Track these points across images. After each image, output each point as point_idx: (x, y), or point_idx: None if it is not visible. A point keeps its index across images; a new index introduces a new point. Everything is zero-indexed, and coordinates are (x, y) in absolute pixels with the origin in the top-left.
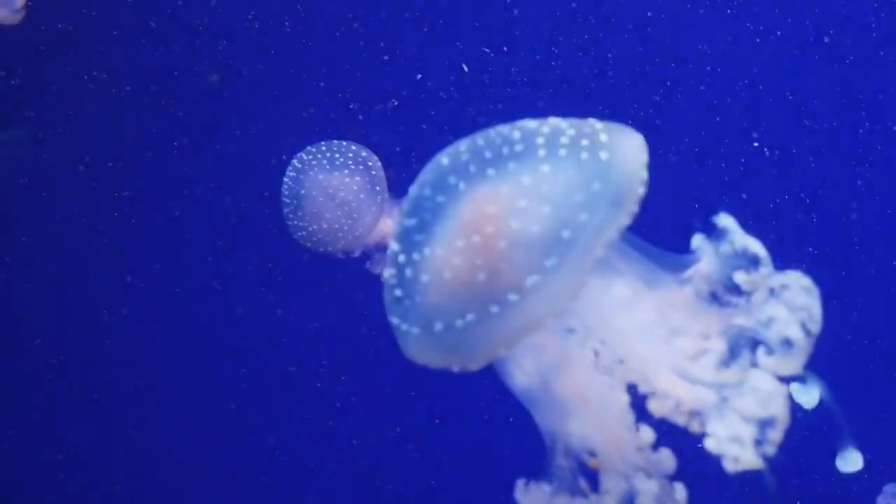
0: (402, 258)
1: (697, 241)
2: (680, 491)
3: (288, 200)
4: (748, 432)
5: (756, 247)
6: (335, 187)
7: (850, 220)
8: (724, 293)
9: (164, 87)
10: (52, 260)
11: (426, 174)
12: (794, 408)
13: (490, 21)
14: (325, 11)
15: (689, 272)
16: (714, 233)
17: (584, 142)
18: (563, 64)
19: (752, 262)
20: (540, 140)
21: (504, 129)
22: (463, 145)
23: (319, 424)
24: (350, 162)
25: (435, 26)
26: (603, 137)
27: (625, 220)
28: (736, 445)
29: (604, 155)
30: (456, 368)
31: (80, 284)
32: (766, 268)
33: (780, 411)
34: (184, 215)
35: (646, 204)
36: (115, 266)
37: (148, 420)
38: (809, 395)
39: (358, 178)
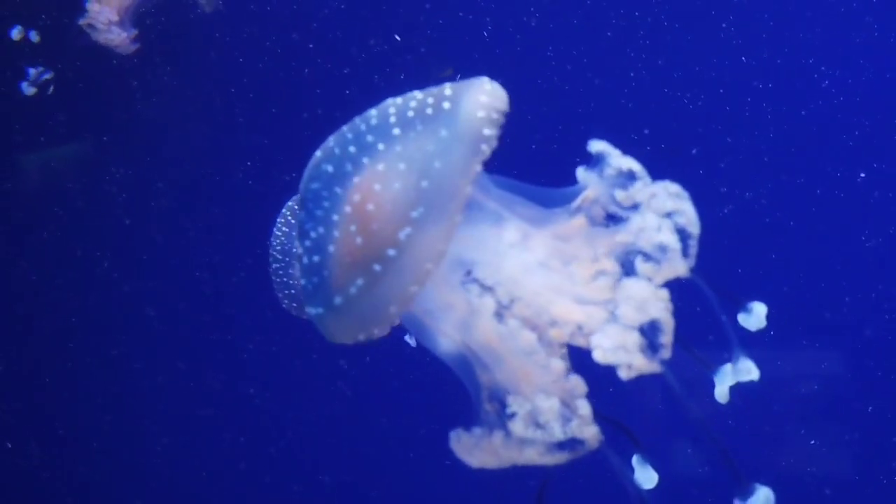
0: (299, 250)
1: (581, 172)
2: (584, 407)
3: (279, 257)
4: (631, 339)
5: (632, 164)
6: None
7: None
8: (619, 213)
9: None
10: (92, 270)
11: (306, 171)
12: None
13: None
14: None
15: (578, 201)
16: (594, 161)
17: (430, 100)
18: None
19: (632, 178)
20: (392, 110)
21: (368, 111)
22: (332, 137)
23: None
24: None
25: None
26: (447, 92)
27: (478, 157)
28: (622, 353)
29: (447, 105)
30: (372, 335)
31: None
32: (642, 180)
33: (661, 313)
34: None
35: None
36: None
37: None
38: (755, 318)
39: None
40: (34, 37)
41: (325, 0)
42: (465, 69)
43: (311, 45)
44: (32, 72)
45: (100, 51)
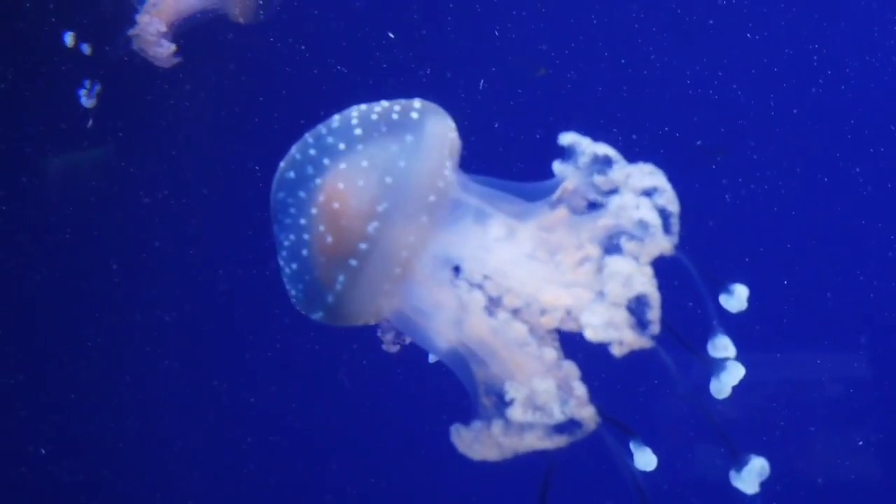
0: (281, 262)
1: (557, 166)
2: (579, 388)
3: None
4: (620, 315)
5: (605, 149)
6: None
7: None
8: (599, 199)
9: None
10: (117, 277)
11: (272, 184)
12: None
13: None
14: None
15: (558, 192)
16: (567, 152)
17: (396, 108)
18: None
19: (607, 162)
20: (354, 114)
21: (331, 117)
22: (294, 146)
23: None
24: None
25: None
26: (416, 105)
27: (443, 169)
28: (612, 329)
29: (414, 115)
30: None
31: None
32: (619, 163)
33: (646, 288)
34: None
35: None
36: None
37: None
38: (736, 300)
39: None
40: (86, 49)
41: (363, 23)
42: (460, 69)
43: (342, 66)
44: (84, 88)
45: (136, 61)
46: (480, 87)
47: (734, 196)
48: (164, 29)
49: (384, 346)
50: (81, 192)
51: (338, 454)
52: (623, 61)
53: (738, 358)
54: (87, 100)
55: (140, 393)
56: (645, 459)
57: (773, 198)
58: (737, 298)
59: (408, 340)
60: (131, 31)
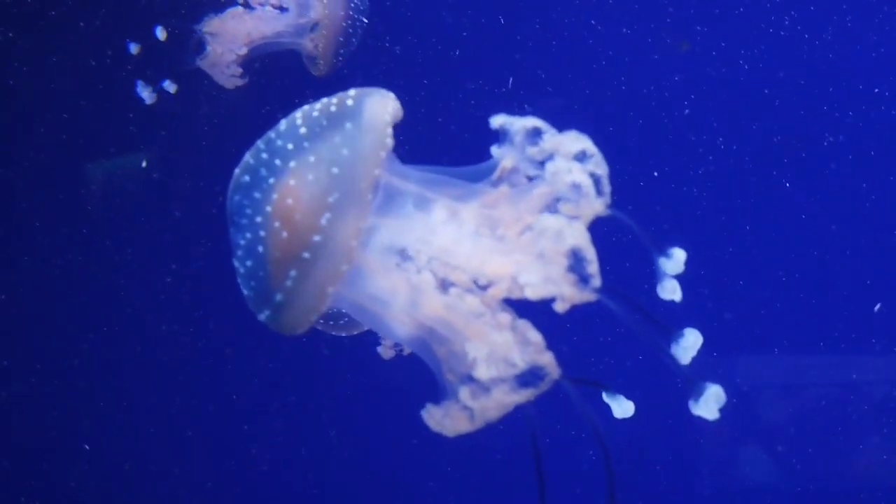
0: (236, 263)
1: (494, 150)
2: (535, 336)
3: None
4: (556, 270)
5: (533, 122)
6: None
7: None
8: (537, 173)
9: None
10: (155, 285)
11: (228, 191)
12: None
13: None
14: None
15: (498, 171)
16: (502, 135)
17: (334, 101)
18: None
19: (539, 134)
20: (298, 114)
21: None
22: (248, 152)
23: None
24: None
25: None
26: (351, 93)
27: (383, 145)
28: (551, 285)
29: (350, 102)
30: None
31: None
32: (549, 133)
33: (578, 241)
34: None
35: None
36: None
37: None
38: (674, 263)
39: None
40: (133, 49)
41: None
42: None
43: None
44: (148, 86)
45: (198, 74)
46: (509, 85)
47: (793, 198)
48: (244, 28)
49: (380, 351)
50: (121, 198)
51: (328, 441)
52: (564, 33)
53: (789, 360)
54: (147, 95)
55: (157, 390)
56: (622, 408)
57: (825, 202)
58: (675, 262)
59: (407, 351)
60: (205, 29)
